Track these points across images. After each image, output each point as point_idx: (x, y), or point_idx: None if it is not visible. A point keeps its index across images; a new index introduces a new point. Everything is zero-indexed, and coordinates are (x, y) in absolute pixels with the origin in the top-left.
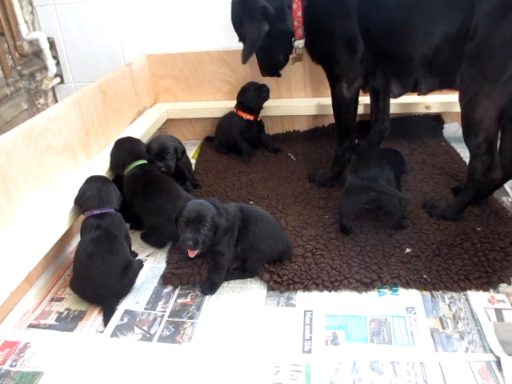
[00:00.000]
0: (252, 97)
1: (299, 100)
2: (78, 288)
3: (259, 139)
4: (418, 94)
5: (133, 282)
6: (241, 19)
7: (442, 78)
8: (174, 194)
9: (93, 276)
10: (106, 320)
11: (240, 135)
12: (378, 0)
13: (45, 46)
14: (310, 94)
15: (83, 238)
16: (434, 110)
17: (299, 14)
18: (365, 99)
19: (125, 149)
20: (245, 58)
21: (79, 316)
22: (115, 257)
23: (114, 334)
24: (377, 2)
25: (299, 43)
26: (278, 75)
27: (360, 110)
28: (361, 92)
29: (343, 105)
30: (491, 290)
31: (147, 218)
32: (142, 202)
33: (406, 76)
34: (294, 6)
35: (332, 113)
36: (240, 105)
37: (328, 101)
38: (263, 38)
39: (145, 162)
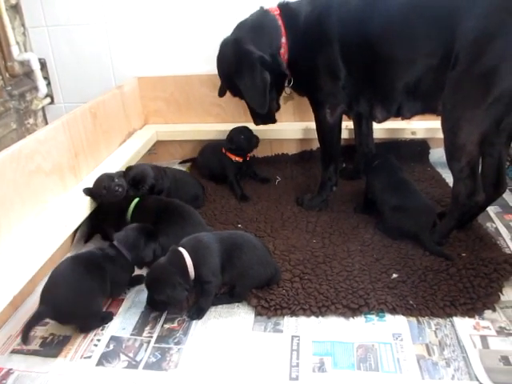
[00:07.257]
0: (242, 145)
1: (288, 124)
2: None
3: (247, 176)
4: (402, 119)
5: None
6: (236, 71)
7: (424, 103)
8: (197, 220)
9: None
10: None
11: (235, 178)
12: (359, 33)
13: (36, 66)
14: (299, 117)
15: None
16: (420, 135)
17: (286, 56)
18: (349, 124)
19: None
20: (261, 109)
21: (64, 341)
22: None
23: (99, 363)
24: (357, 35)
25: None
26: (274, 121)
27: (345, 135)
28: (345, 117)
29: (327, 130)
30: (476, 317)
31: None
32: (164, 225)
33: (390, 102)
34: (282, 50)
35: None
36: (230, 148)
37: None
38: None
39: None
